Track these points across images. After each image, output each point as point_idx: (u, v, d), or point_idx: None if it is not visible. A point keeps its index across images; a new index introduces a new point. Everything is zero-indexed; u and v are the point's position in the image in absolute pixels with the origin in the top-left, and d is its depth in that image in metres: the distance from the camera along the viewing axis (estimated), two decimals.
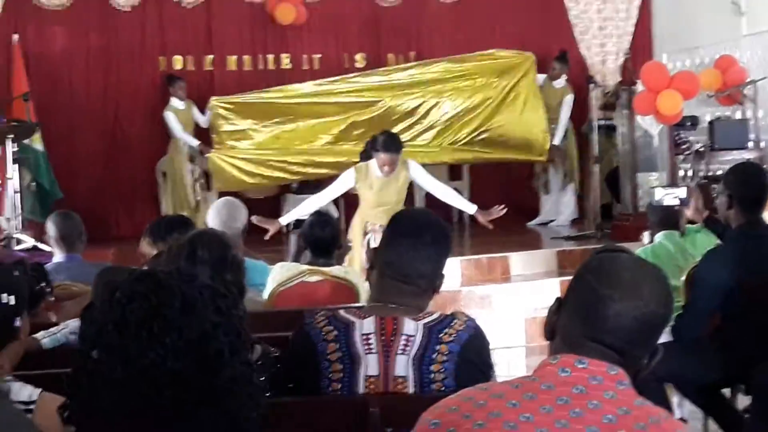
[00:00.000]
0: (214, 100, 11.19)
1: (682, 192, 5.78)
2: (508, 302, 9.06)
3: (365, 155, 8.08)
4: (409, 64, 12.01)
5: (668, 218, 5.99)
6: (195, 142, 11.36)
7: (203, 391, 1.76)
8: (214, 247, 3.23)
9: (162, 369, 1.73)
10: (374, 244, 7.41)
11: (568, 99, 11.83)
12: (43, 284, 4.29)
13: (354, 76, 11.69)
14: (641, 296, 2.08)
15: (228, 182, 10.92)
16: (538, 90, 11.62)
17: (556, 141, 11.76)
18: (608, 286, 2.08)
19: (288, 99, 11.26)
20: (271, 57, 12.73)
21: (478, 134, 11.53)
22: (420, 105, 11.48)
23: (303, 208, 7.77)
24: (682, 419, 5.65)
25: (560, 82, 11.99)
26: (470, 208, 8.12)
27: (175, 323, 1.74)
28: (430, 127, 11.51)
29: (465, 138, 11.52)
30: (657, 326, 2.14)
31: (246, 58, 12.65)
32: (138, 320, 1.73)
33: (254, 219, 7.20)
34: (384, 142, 7.67)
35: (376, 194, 7.77)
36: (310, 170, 11.19)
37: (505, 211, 7.70)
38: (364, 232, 7.81)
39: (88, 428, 1.79)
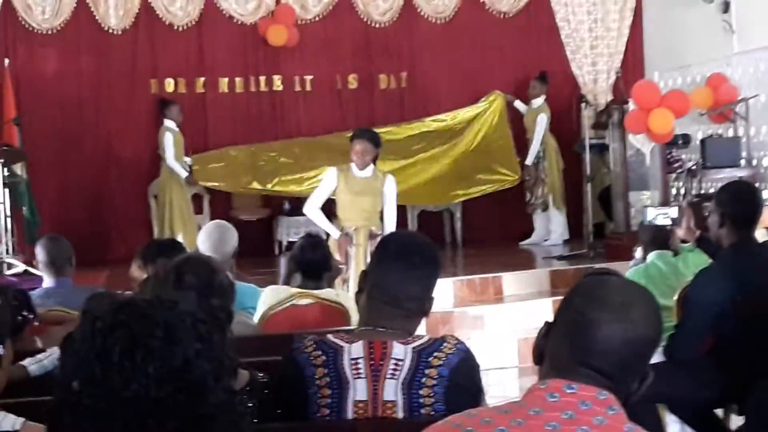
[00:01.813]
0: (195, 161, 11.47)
1: (673, 212, 5.77)
2: (501, 323, 9.04)
3: None
4: (390, 127, 12.11)
5: (660, 238, 5.97)
6: (184, 174, 11.31)
7: (187, 419, 1.74)
8: (201, 272, 3.21)
9: (145, 398, 1.71)
10: (350, 248, 7.53)
11: (540, 118, 11.89)
12: (26, 312, 4.26)
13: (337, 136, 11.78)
14: (630, 319, 2.06)
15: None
16: (505, 117, 12.03)
17: (529, 161, 11.85)
18: (597, 309, 2.06)
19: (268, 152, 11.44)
20: (263, 78, 12.73)
21: (458, 177, 11.75)
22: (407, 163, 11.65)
23: (317, 218, 8.08)
24: None
25: (538, 102, 12.06)
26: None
27: (158, 352, 1.72)
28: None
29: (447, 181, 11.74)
30: (646, 349, 2.12)
31: (238, 80, 12.67)
32: (120, 350, 1.71)
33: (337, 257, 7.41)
34: (357, 132, 8.14)
35: (355, 195, 7.87)
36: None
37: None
38: (345, 233, 7.91)
39: None
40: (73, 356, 1.76)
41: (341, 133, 11.40)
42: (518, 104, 12.31)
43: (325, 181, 8.08)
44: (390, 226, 7.95)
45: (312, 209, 8.07)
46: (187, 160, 11.44)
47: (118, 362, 1.70)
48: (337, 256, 7.20)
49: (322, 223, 8.04)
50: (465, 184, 11.89)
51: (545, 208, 12.21)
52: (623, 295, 2.10)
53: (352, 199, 7.86)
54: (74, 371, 1.74)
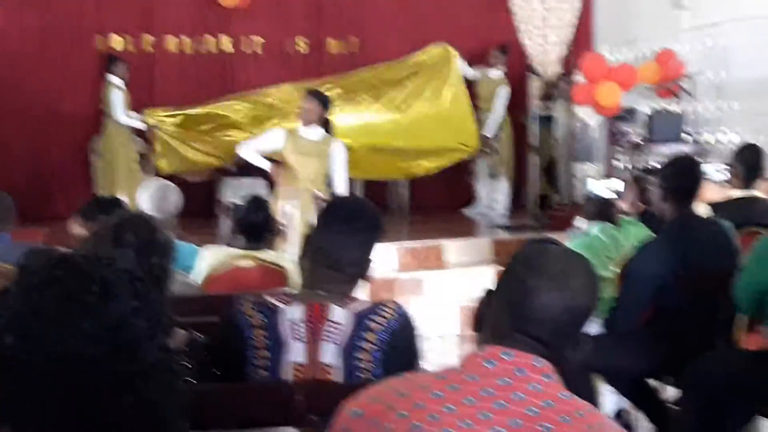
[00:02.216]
0: (147, 114, 11.05)
1: (617, 184, 5.81)
2: (443, 290, 9.08)
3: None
4: (336, 76, 11.87)
5: (603, 210, 6.01)
6: (143, 126, 11.08)
7: (122, 378, 1.72)
8: (140, 230, 3.18)
9: (80, 355, 1.69)
10: (293, 209, 7.54)
11: (503, 91, 11.84)
12: None
13: (287, 86, 11.58)
14: (569, 287, 2.07)
15: (175, 162, 10.83)
16: (462, 80, 11.61)
17: (489, 132, 11.82)
18: (536, 277, 2.07)
19: (223, 111, 11.13)
20: (212, 39, 12.60)
21: (417, 150, 11.57)
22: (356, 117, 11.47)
23: (250, 156, 8.26)
24: (622, 410, 5.69)
25: (497, 73, 12.02)
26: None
27: (94, 309, 1.70)
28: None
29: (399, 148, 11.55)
30: (583, 317, 2.13)
31: (187, 39, 12.50)
32: (55, 306, 1.69)
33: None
34: (306, 90, 8.31)
35: (302, 157, 7.87)
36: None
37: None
38: (282, 198, 7.96)
39: (3, 417, 1.75)
40: (8, 311, 1.74)
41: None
42: (463, 66, 12.11)
43: (269, 136, 8.21)
44: (340, 190, 7.96)
45: (247, 150, 8.23)
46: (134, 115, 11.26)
47: (54, 318, 1.68)
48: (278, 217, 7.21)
49: (256, 159, 8.19)
50: (423, 157, 11.67)
51: (494, 177, 12.21)
52: (563, 263, 2.12)
53: (297, 160, 7.86)
54: (8, 326, 1.72)
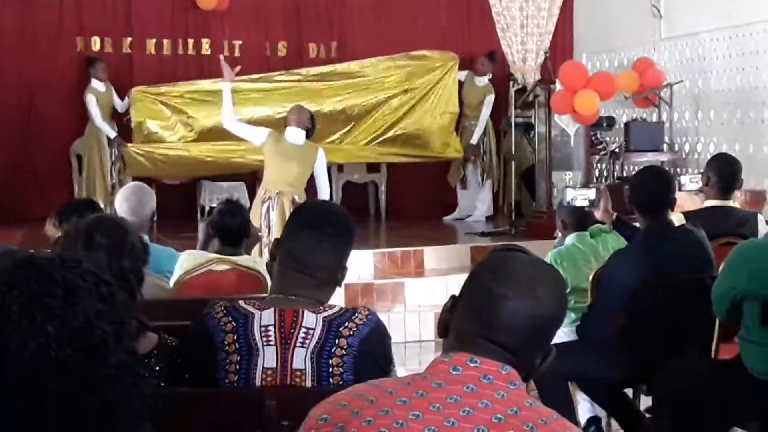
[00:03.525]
0: (136, 91, 11.05)
1: (591, 193, 5.81)
2: (421, 296, 9.10)
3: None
4: (332, 66, 11.97)
5: (578, 219, 6.01)
6: (113, 134, 11.17)
7: (86, 381, 1.72)
8: (111, 232, 3.17)
9: (44, 358, 1.68)
10: (272, 213, 7.60)
11: (489, 98, 11.94)
12: None
13: (278, 74, 11.63)
14: (536, 296, 2.06)
15: (142, 170, 10.79)
16: (456, 91, 11.78)
17: (474, 139, 11.87)
18: (503, 286, 2.07)
19: (208, 96, 11.10)
20: (191, 42, 12.62)
21: (396, 132, 11.58)
22: (342, 106, 11.50)
23: (228, 108, 8.28)
24: (596, 418, 5.70)
25: (483, 81, 12.08)
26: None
27: (58, 311, 1.69)
28: (352, 126, 11.53)
29: (382, 136, 11.56)
30: (550, 327, 2.13)
31: (165, 42, 12.52)
32: (18, 309, 1.68)
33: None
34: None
35: (284, 160, 7.92)
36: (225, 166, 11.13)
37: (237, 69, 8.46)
38: (262, 201, 7.95)
39: None
40: None
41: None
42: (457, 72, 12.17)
43: (256, 129, 8.30)
44: (324, 196, 8.01)
45: (230, 122, 8.31)
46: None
47: (17, 321, 1.67)
48: (255, 223, 7.20)
49: (242, 127, 8.37)
50: (404, 149, 11.72)
51: (479, 184, 12.25)
52: (529, 271, 2.11)
53: (279, 163, 7.92)
54: None
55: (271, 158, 7.97)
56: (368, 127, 11.54)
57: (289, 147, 7.90)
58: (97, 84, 11.20)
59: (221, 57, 8.59)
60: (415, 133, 11.63)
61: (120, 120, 11.38)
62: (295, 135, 7.95)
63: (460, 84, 12.05)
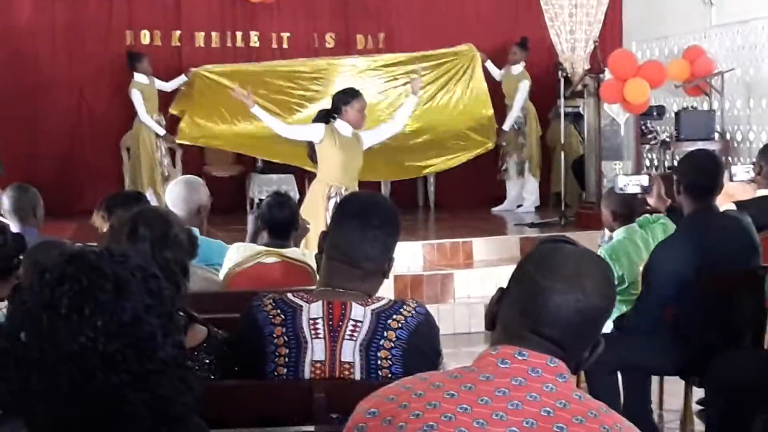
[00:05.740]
0: (198, 69, 11.25)
1: (644, 179, 5.73)
2: (470, 287, 9.07)
3: (324, 119, 7.96)
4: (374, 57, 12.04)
5: (629, 208, 5.92)
6: (161, 131, 11.23)
7: (134, 375, 1.73)
8: (155, 224, 3.18)
9: (93, 352, 1.69)
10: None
11: (523, 85, 11.85)
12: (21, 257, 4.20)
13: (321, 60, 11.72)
14: (582, 288, 2.04)
15: (193, 133, 11.07)
16: (483, 78, 11.83)
17: (507, 126, 11.83)
18: (549, 278, 2.05)
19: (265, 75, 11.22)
20: (239, 34, 12.68)
21: (430, 137, 11.62)
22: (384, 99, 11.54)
23: (272, 122, 8.22)
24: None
25: (518, 68, 12.01)
26: (413, 100, 8.42)
27: (107, 306, 1.71)
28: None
29: (416, 151, 11.59)
30: (598, 319, 2.10)
31: (214, 34, 12.59)
32: (68, 303, 1.69)
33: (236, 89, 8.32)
34: (352, 91, 7.97)
35: (345, 154, 7.73)
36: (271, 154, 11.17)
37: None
38: (328, 197, 7.74)
39: (17, 411, 1.76)
40: (21, 307, 1.75)
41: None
42: (491, 66, 12.17)
43: (310, 129, 7.95)
44: (392, 126, 8.38)
45: (277, 125, 8.25)
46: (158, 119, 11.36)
47: (66, 315, 1.69)
48: (320, 219, 7.19)
49: (271, 123, 8.25)
50: (436, 153, 11.71)
51: (521, 174, 12.20)
52: (576, 263, 2.09)
53: (344, 158, 7.73)
54: (22, 322, 1.73)
55: (334, 154, 7.74)
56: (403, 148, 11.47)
57: (345, 140, 7.77)
58: (140, 77, 11.23)
59: (236, 87, 8.45)
60: (447, 141, 11.68)
61: (166, 112, 11.45)
62: (345, 127, 7.82)
63: (499, 79, 12.10)
